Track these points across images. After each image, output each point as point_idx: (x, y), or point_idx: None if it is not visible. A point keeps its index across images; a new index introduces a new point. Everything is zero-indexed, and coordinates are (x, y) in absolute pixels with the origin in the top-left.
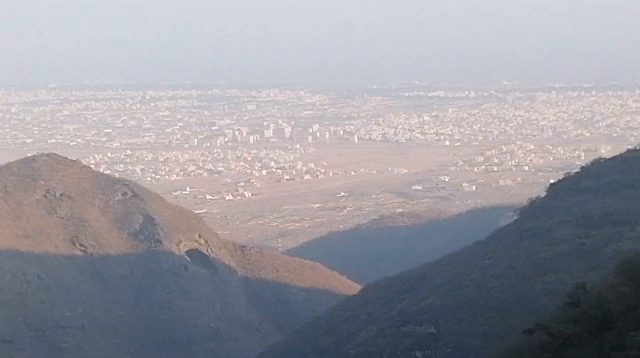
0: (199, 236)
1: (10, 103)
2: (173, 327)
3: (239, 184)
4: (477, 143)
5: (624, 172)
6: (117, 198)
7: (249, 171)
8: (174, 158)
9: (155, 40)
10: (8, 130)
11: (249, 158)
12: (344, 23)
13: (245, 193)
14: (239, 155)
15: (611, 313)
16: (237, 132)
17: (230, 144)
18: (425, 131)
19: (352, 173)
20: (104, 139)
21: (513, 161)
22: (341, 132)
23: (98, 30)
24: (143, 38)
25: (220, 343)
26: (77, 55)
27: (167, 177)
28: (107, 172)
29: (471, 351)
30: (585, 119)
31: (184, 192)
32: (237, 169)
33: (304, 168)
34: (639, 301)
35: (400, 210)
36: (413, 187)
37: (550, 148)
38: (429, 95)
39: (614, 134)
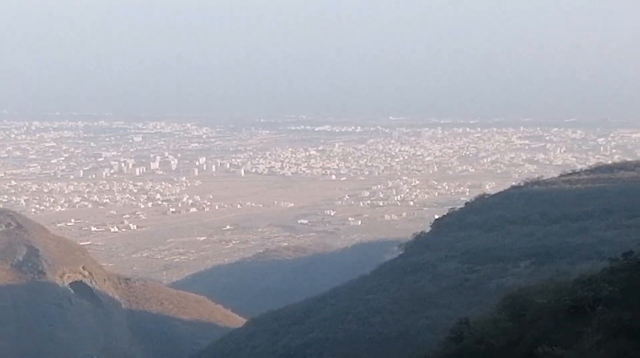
0: (83, 268)
1: None
2: None
3: (124, 217)
4: (363, 178)
5: (507, 208)
6: (0, 229)
7: (134, 203)
8: (58, 189)
9: (41, 70)
10: None
11: (135, 190)
12: (231, 55)
13: (131, 225)
14: (124, 187)
15: (494, 348)
16: (123, 164)
17: (115, 176)
18: (312, 165)
19: (238, 206)
20: None
21: (398, 196)
22: (228, 165)
23: None
24: (28, 68)
25: None
26: None
27: (51, 208)
28: None
29: None
30: (470, 155)
31: (68, 223)
32: (123, 201)
33: (190, 201)
34: (521, 336)
35: (286, 244)
36: (299, 221)
37: (435, 183)
38: (316, 129)
39: (498, 171)
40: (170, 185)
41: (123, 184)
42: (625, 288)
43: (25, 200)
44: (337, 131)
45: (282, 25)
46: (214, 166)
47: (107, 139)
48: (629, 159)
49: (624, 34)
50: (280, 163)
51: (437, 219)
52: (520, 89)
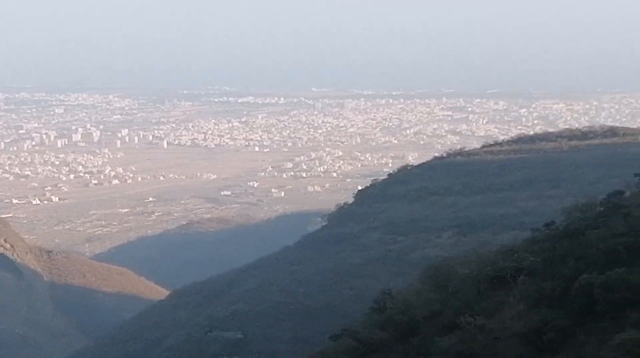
0: (5, 240)
1: None
2: None
3: (46, 189)
4: (286, 149)
5: (430, 179)
6: None
7: (56, 175)
8: None
9: None
10: None
11: (57, 162)
12: (154, 27)
13: (53, 197)
14: (46, 159)
15: (417, 319)
16: (44, 136)
17: (37, 148)
18: (235, 137)
19: (161, 178)
20: None
21: (322, 168)
22: (150, 137)
23: None
24: None
25: (25, 349)
26: None
27: None
28: None
29: (278, 356)
30: (393, 126)
31: None
32: (45, 173)
33: (112, 173)
34: (444, 307)
35: (209, 216)
36: (222, 193)
37: (359, 154)
38: (239, 101)
39: (421, 142)
40: (92, 157)
41: (45, 156)
42: (547, 258)
43: None
44: (260, 102)
45: None
46: (136, 138)
47: (28, 111)
48: (550, 130)
49: (547, 6)
50: (203, 135)
51: (360, 190)
52: (443, 61)
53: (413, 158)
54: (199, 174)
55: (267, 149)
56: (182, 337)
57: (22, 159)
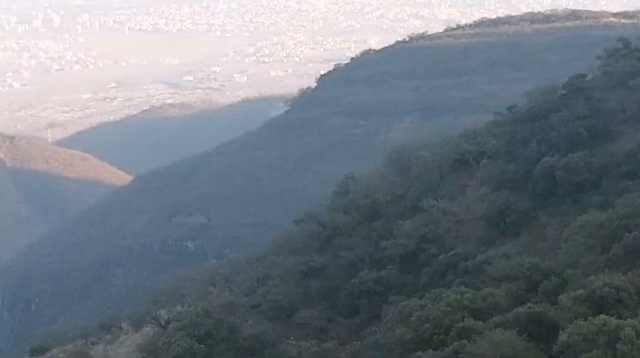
0: None
1: None
2: None
3: (6, 75)
4: (248, 34)
5: (392, 63)
6: None
7: (17, 61)
8: None
9: None
10: None
11: (17, 48)
12: None
13: (14, 83)
14: (6, 45)
15: (380, 202)
16: (5, 22)
17: None
18: (197, 22)
19: (123, 63)
20: None
21: (284, 52)
22: (111, 22)
23: None
24: None
25: None
26: None
27: None
28: None
29: (242, 240)
30: (355, 10)
31: None
32: (5, 59)
33: (74, 58)
34: (407, 190)
35: (171, 101)
36: (184, 78)
37: (321, 39)
38: None
39: (384, 26)
40: (53, 43)
41: (5, 42)
42: (509, 142)
43: None
44: None
45: None
46: (97, 23)
47: None
48: (513, 13)
49: None
50: (164, 20)
51: (322, 75)
52: None
53: (375, 42)
54: (160, 59)
55: (229, 34)
56: (146, 221)
57: None
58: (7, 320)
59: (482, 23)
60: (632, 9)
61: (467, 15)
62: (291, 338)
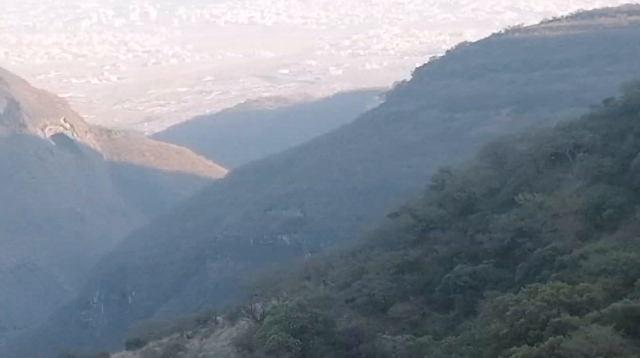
0: (65, 120)
1: None
2: (38, 211)
3: (104, 68)
4: (343, 27)
5: (488, 56)
6: None
7: (114, 54)
8: (38, 41)
9: None
10: None
11: (115, 42)
12: None
13: (111, 76)
14: (104, 38)
15: (475, 196)
16: (102, 15)
17: (95, 27)
18: (292, 15)
19: (219, 56)
20: None
21: (379, 45)
22: (207, 15)
23: None
24: None
25: (85, 227)
26: None
27: (31, 60)
28: None
29: (337, 234)
30: (451, 2)
31: (48, 76)
32: (103, 52)
33: (171, 52)
34: (502, 184)
35: (267, 94)
36: (280, 71)
37: (416, 31)
38: None
39: (479, 18)
40: (150, 36)
41: (103, 35)
42: (606, 135)
43: (4, 53)
44: None
45: None
46: (193, 17)
47: None
48: (610, 5)
49: None
50: (260, 13)
51: (418, 67)
52: None
53: (471, 35)
54: (256, 52)
55: (325, 27)
56: (242, 214)
57: (80, 38)
58: (103, 313)
59: (579, 15)
60: None
61: (563, 7)
62: (386, 332)
